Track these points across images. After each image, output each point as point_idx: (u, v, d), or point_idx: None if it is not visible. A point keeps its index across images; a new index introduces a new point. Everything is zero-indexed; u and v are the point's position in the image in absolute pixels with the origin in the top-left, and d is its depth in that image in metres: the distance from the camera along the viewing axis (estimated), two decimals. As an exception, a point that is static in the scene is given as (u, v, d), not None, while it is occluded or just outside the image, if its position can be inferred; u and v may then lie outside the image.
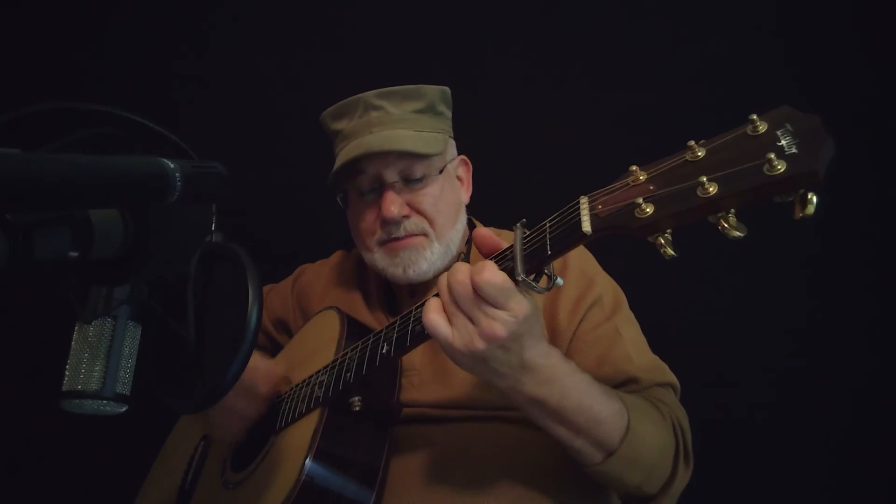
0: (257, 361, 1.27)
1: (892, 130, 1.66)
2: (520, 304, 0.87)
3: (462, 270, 0.89)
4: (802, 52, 1.76)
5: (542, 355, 0.92)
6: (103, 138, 0.65)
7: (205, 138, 0.89)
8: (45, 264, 0.58)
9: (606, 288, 1.27)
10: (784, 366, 1.81)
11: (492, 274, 0.86)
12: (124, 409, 0.70)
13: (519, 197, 1.77)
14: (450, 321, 0.90)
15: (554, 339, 1.20)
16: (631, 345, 1.20)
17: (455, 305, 0.89)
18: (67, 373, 0.68)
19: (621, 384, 1.14)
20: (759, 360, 1.81)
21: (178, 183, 0.62)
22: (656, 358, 1.23)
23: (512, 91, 1.95)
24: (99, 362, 0.68)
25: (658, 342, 1.27)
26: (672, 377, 1.21)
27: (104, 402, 0.68)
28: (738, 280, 1.79)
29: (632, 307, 1.30)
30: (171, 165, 0.62)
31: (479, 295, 0.87)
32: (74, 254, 0.60)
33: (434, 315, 0.91)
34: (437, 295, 0.93)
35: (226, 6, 2.08)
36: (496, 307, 0.86)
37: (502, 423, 1.15)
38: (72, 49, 2.06)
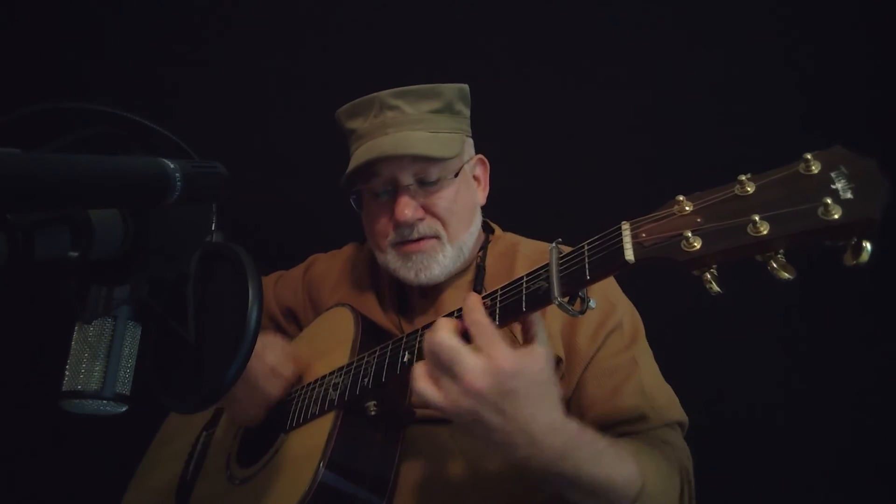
0: (281, 345, 1.29)
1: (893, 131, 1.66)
2: (503, 356, 0.84)
3: (440, 327, 0.88)
4: (804, 52, 1.76)
5: (550, 431, 0.87)
6: (103, 138, 0.65)
7: (205, 138, 0.89)
8: (45, 264, 0.58)
9: (626, 314, 1.25)
10: (784, 368, 1.81)
11: (441, 336, 0.86)
12: (124, 409, 0.70)
13: (535, 199, 1.77)
14: (437, 383, 0.89)
15: (570, 361, 1.19)
16: (647, 376, 1.18)
17: (437, 367, 0.88)
18: (67, 373, 0.68)
19: (632, 421, 1.13)
20: (759, 363, 1.81)
21: (178, 183, 0.62)
22: (669, 390, 1.21)
23: (530, 90, 1.94)
24: (99, 362, 0.68)
25: (659, 345, 1.26)
26: (681, 413, 1.18)
27: (104, 402, 0.68)
28: (738, 281, 1.79)
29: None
30: (171, 165, 0.62)
31: (434, 353, 0.87)
32: (74, 254, 0.60)
33: (423, 384, 0.90)
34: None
35: (227, 4, 2.08)
36: (451, 367, 0.85)
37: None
38: (71, 48, 2.06)
